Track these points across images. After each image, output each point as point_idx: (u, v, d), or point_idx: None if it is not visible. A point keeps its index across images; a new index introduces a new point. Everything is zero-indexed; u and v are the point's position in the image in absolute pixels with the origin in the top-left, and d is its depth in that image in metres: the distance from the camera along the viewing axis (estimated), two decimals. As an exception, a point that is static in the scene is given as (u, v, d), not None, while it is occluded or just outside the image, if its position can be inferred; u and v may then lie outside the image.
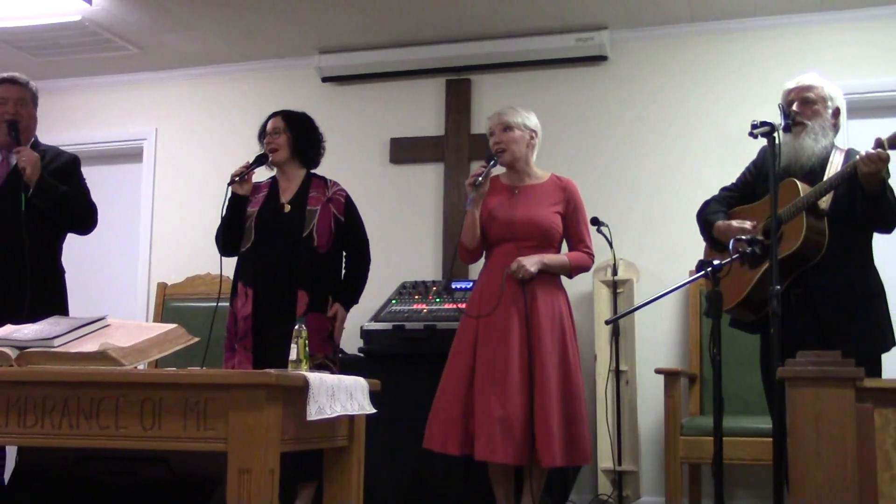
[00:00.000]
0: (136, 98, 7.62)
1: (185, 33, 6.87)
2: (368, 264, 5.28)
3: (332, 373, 4.61)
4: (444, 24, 6.61)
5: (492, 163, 4.89)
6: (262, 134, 5.28)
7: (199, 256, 6.56)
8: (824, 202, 4.17)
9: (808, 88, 4.38)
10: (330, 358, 5.00)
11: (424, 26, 6.65)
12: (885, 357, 4.25)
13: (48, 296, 4.83)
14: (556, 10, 6.34)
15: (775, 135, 3.98)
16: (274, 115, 5.30)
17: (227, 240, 5.13)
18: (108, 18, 6.58)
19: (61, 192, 4.88)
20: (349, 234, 5.19)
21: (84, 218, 5.07)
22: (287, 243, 5.02)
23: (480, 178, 4.80)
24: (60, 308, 4.87)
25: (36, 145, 5.07)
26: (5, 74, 5.06)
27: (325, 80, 7.17)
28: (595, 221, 5.66)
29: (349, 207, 5.22)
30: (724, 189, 4.65)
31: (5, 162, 4.92)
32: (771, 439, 3.85)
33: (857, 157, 4.06)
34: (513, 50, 6.69)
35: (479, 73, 6.92)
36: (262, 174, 5.31)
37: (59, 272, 5.07)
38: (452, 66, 6.90)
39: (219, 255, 5.09)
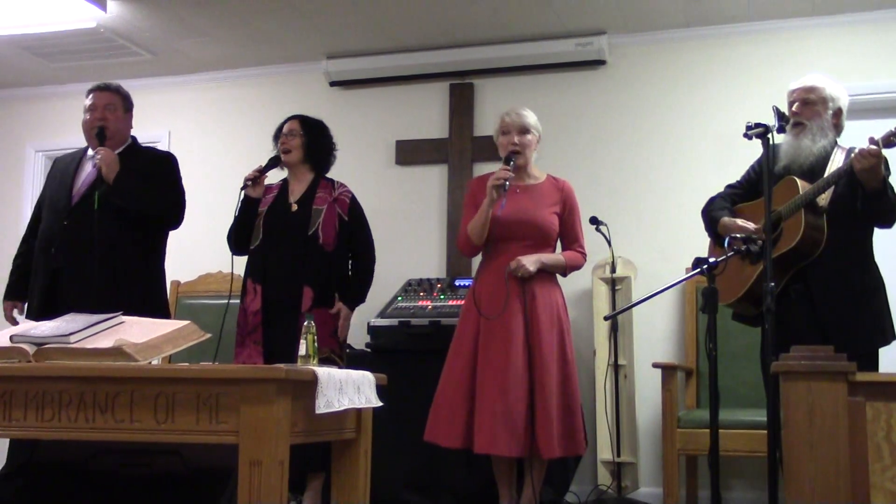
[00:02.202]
0: (150, 102, 7.47)
1: (197, 39, 6.92)
2: (373, 264, 5.37)
3: (338, 367, 4.72)
4: (448, 31, 6.66)
5: (512, 164, 4.93)
6: (278, 135, 5.41)
7: (211, 255, 6.55)
8: (823, 199, 4.24)
9: (811, 90, 4.45)
10: (335, 352, 5.08)
11: (429, 32, 6.70)
12: (882, 351, 4.30)
13: (134, 294, 4.84)
14: (556, 17, 6.37)
15: (769, 136, 4.07)
16: (291, 118, 5.44)
17: (239, 239, 5.26)
18: (123, 25, 6.63)
19: (138, 188, 4.92)
20: (353, 235, 5.28)
21: (166, 214, 5.07)
22: (293, 241, 5.14)
23: (507, 184, 4.81)
24: (149, 306, 4.77)
25: (134, 146, 5.17)
26: (96, 83, 5.17)
27: (332, 84, 7.23)
28: (594, 220, 5.75)
29: (353, 207, 5.32)
30: (728, 186, 4.71)
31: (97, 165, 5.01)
32: (765, 431, 3.89)
33: (852, 155, 4.12)
34: (514, 55, 6.75)
35: (482, 78, 6.96)
36: (274, 176, 5.41)
37: (148, 271, 5.07)
38: (456, 71, 6.96)
39: (230, 253, 5.21)
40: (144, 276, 5.03)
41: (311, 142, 5.36)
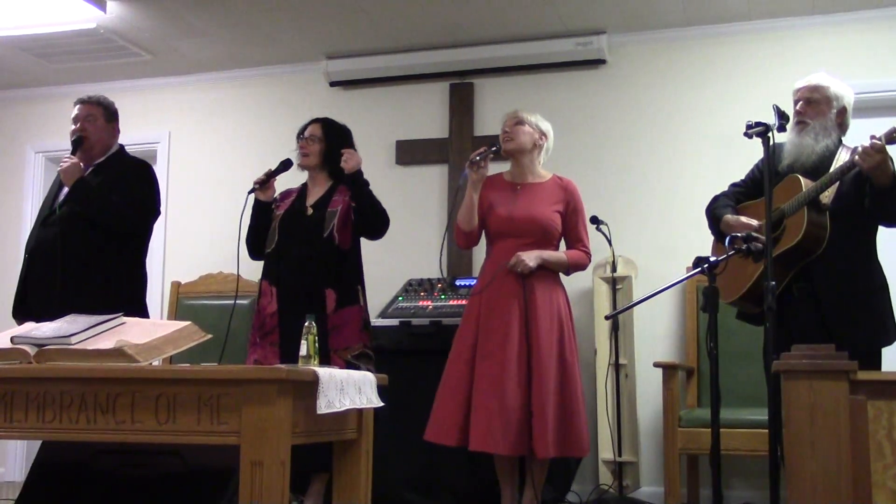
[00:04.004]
0: (150, 103, 7.64)
1: (196, 40, 6.92)
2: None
3: (372, 361, 4.81)
4: (448, 30, 6.66)
5: (494, 147, 4.99)
6: (301, 134, 5.34)
7: (211, 256, 6.62)
8: (826, 196, 4.22)
9: (815, 89, 4.43)
10: (367, 346, 5.06)
11: (429, 32, 6.70)
12: (885, 350, 4.27)
13: (103, 300, 4.70)
14: (556, 16, 6.38)
15: (769, 135, 4.05)
16: (315, 120, 5.37)
17: (254, 244, 5.25)
18: (122, 26, 6.64)
19: (96, 195, 4.94)
20: (362, 206, 5.15)
21: (125, 220, 5.02)
22: (308, 244, 5.08)
23: (479, 158, 4.92)
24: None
25: (117, 154, 5.23)
26: (79, 97, 5.28)
27: (332, 84, 7.23)
28: (594, 220, 5.73)
29: None
30: (732, 185, 4.70)
31: None
32: (767, 430, 3.88)
33: (856, 154, 4.10)
34: (514, 54, 6.76)
35: (482, 77, 6.96)
36: (297, 178, 5.41)
37: (121, 278, 5.01)
38: (456, 71, 6.97)
39: (232, 254, 5.13)
40: (116, 284, 4.99)
41: (330, 149, 5.27)
